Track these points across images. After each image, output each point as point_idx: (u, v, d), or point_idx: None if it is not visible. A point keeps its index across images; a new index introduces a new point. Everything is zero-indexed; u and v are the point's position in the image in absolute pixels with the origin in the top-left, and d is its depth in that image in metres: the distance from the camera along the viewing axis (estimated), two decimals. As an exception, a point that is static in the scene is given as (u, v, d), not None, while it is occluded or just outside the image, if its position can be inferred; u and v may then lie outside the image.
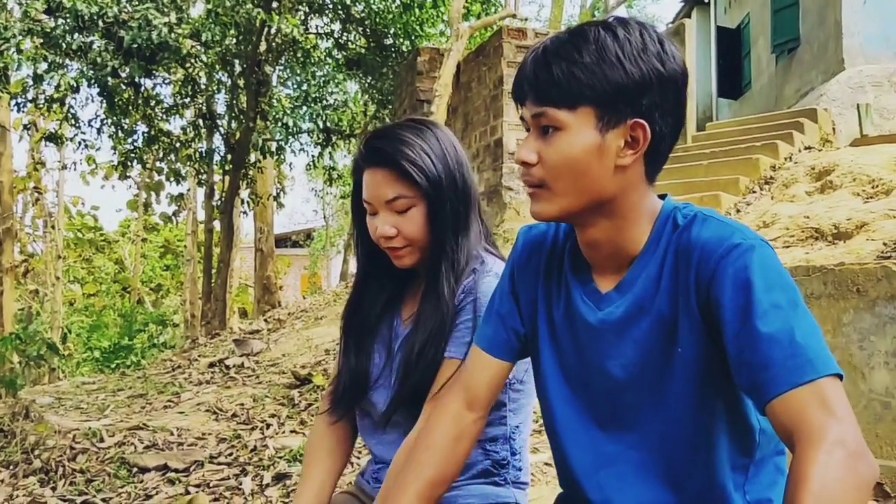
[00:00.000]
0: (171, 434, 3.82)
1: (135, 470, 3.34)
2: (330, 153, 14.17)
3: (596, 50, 1.01)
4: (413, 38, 12.03)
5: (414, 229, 1.36)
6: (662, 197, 1.11)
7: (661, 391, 1.05)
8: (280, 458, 3.34)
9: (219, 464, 3.39)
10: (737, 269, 0.94)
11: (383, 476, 1.41)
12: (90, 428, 3.87)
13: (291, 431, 3.77)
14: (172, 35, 9.78)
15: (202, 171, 14.08)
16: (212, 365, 5.59)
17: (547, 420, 1.20)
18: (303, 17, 12.23)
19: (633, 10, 24.14)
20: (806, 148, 6.49)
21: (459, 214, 1.39)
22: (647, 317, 1.05)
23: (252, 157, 12.29)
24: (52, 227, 20.09)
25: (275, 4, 10.85)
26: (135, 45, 9.60)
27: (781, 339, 0.88)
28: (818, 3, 9.76)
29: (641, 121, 1.01)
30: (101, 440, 3.70)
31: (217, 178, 14.30)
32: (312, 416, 3.99)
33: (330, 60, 13.26)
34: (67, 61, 10.41)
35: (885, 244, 3.33)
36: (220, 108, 13.60)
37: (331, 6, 12.31)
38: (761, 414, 0.91)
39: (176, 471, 3.31)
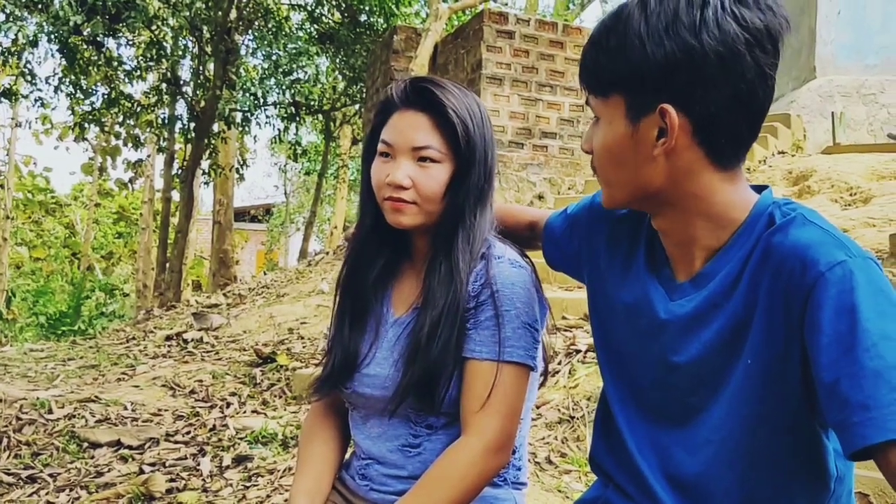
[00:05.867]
0: (125, 408, 3.65)
1: (85, 445, 3.19)
2: (296, 127, 13.91)
3: (622, 30, 0.91)
4: (388, 16, 11.82)
5: (432, 187, 1.22)
6: (762, 189, 0.99)
7: (715, 398, 0.96)
8: (241, 439, 3.21)
9: (175, 442, 3.24)
10: (841, 290, 0.82)
11: (371, 472, 1.30)
12: (38, 398, 3.68)
13: (253, 412, 3.63)
14: (140, -6, 9.42)
15: (163, 137, 13.68)
16: (169, 338, 5.39)
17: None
18: (277, -13, 11.93)
19: (608, 6, 24.13)
20: (779, 152, 6.54)
21: (482, 191, 1.26)
22: (719, 318, 0.95)
23: (216, 127, 11.95)
24: (1, 186, 19.39)
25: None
26: (99, 2, 9.21)
27: (891, 378, 0.76)
28: (794, 10, 9.83)
29: (667, 106, 0.89)
30: (50, 411, 3.53)
31: (178, 146, 13.89)
32: (275, 396, 3.85)
33: (302, 33, 12.97)
34: (26, 14, 9.95)
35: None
36: (186, 74, 13.22)
37: (305, -23, 12.03)
38: (848, 455, 0.80)
39: (129, 447, 3.17)
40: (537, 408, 2.88)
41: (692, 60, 0.87)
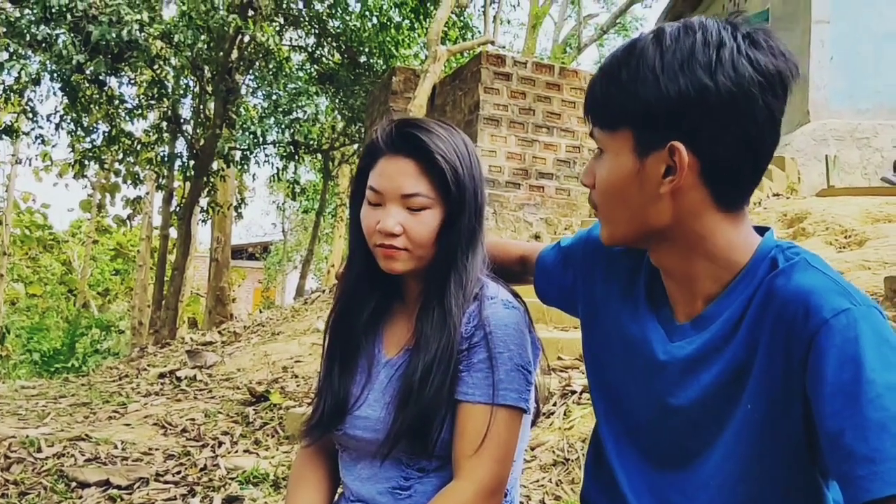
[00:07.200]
0: (115, 447, 3.60)
1: (73, 484, 3.13)
2: (295, 166, 13.99)
3: (635, 64, 0.90)
4: (388, 57, 11.99)
5: (423, 234, 1.21)
6: (764, 231, 0.99)
7: (713, 442, 0.94)
8: (232, 479, 3.16)
9: (165, 482, 3.19)
10: (845, 338, 0.80)
11: (359, 515, 1.28)
12: (27, 436, 3.64)
13: (245, 451, 3.58)
14: (143, 34, 9.54)
15: (162, 175, 13.75)
16: (162, 376, 5.34)
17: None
18: (278, 28, 12.10)
19: (604, 50, 24.51)
20: (774, 195, 6.58)
21: (474, 232, 1.25)
22: (719, 362, 0.93)
23: (215, 165, 12.02)
24: (0, 222, 19.41)
25: (251, 13, 10.71)
26: (103, 42, 9.32)
27: (894, 430, 0.75)
28: (788, 55, 9.98)
29: (677, 144, 0.88)
30: (39, 450, 3.47)
31: (177, 183, 13.96)
32: (268, 435, 3.81)
33: (302, 74, 13.12)
34: (30, 52, 10.07)
35: (862, 294, 3.33)
36: (186, 112, 13.33)
37: (307, 20, 12.21)
38: None
39: (118, 488, 3.11)
40: (531, 449, 2.84)
41: (706, 100, 0.87)
